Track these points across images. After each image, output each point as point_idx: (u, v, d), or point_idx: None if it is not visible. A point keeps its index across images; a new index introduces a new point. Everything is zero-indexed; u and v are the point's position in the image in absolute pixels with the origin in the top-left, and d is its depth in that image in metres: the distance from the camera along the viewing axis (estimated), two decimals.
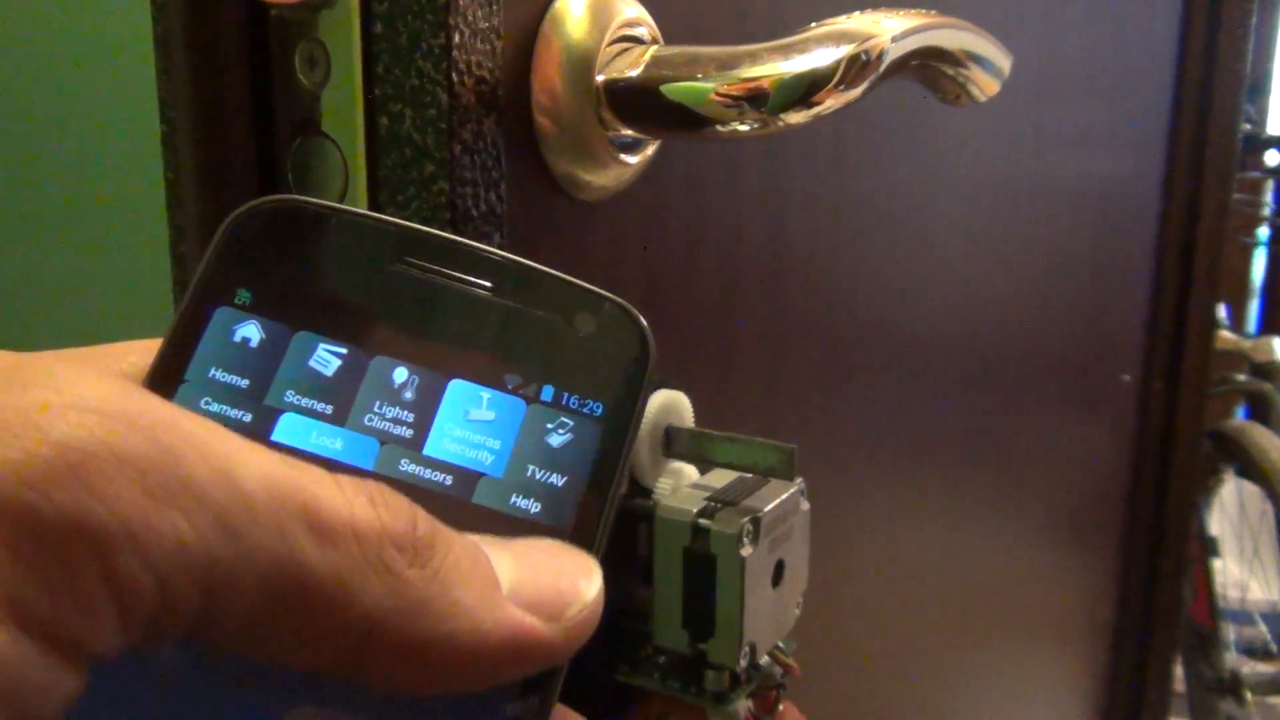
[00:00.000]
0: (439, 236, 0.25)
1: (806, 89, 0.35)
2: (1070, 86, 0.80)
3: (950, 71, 0.41)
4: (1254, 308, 2.37)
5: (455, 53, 0.32)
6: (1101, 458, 1.03)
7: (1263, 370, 1.70)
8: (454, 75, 0.32)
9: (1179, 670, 1.65)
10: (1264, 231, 1.98)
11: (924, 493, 0.70)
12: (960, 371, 0.72)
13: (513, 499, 0.23)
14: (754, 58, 0.35)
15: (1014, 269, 0.77)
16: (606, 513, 0.24)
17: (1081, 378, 0.94)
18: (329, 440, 0.23)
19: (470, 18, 0.33)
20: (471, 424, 0.24)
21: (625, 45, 0.38)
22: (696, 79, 0.36)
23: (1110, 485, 1.06)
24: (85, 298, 0.97)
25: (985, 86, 0.44)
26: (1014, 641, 0.89)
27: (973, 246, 0.71)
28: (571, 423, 0.24)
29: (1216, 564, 1.74)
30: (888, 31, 0.36)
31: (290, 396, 0.23)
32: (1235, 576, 1.87)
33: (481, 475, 0.23)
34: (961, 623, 0.79)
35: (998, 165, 0.73)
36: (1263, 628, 1.88)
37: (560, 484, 0.24)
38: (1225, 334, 1.67)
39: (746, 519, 0.36)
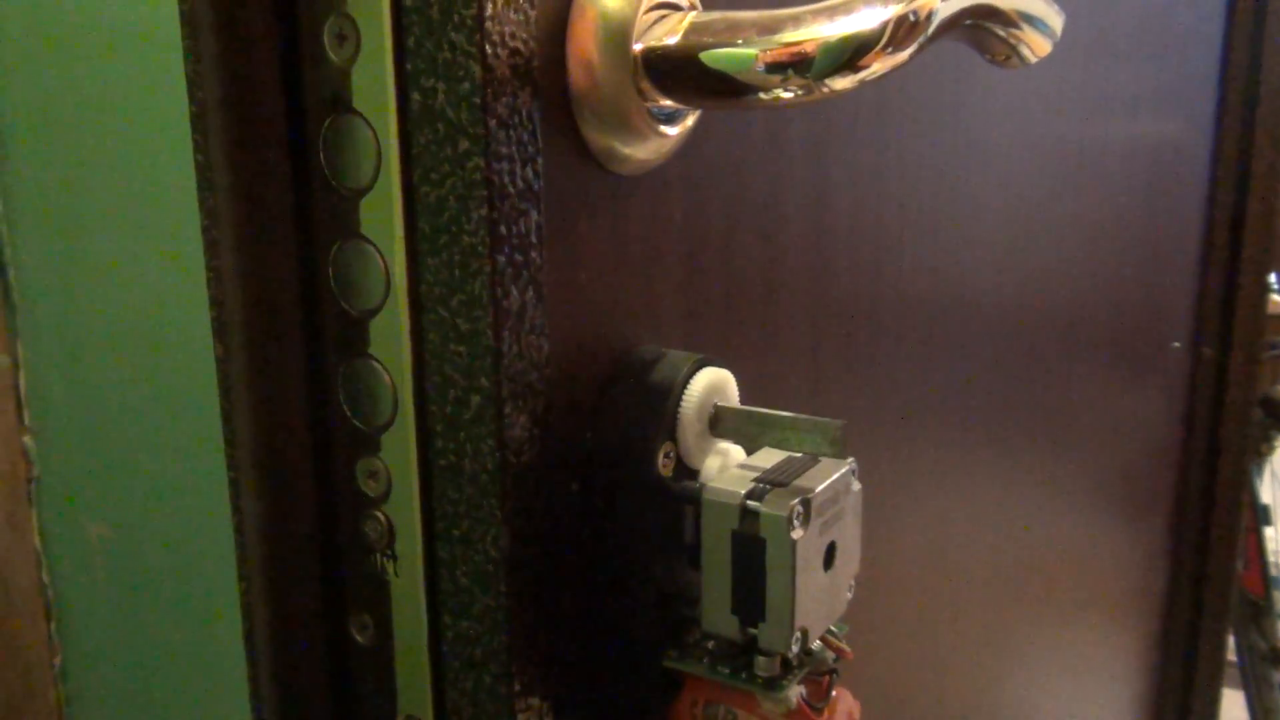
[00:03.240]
0: None
1: (853, 52, 0.34)
2: (1117, 48, 0.78)
3: (1001, 32, 0.39)
4: None
5: (488, 24, 0.31)
6: (1152, 426, 1.01)
7: None
8: (487, 47, 0.31)
9: (1231, 641, 1.63)
10: None
11: (973, 465, 0.69)
12: (1008, 340, 0.71)
13: None
14: (797, 21, 0.34)
15: (1062, 235, 0.75)
16: None
17: (1131, 345, 0.92)
18: None
19: None
20: None
21: (663, 12, 0.36)
22: (737, 45, 0.34)
23: (1161, 454, 1.04)
24: (121, 281, 0.97)
25: (1037, 47, 0.42)
26: (1065, 613, 0.88)
27: (1020, 213, 0.69)
28: None
29: (1269, 533, 1.71)
30: None
31: None
32: None
33: None
34: (1013, 596, 0.78)
35: (1043, 130, 0.71)
36: None
37: None
38: (1277, 299, 1.63)
39: (797, 500, 0.35)
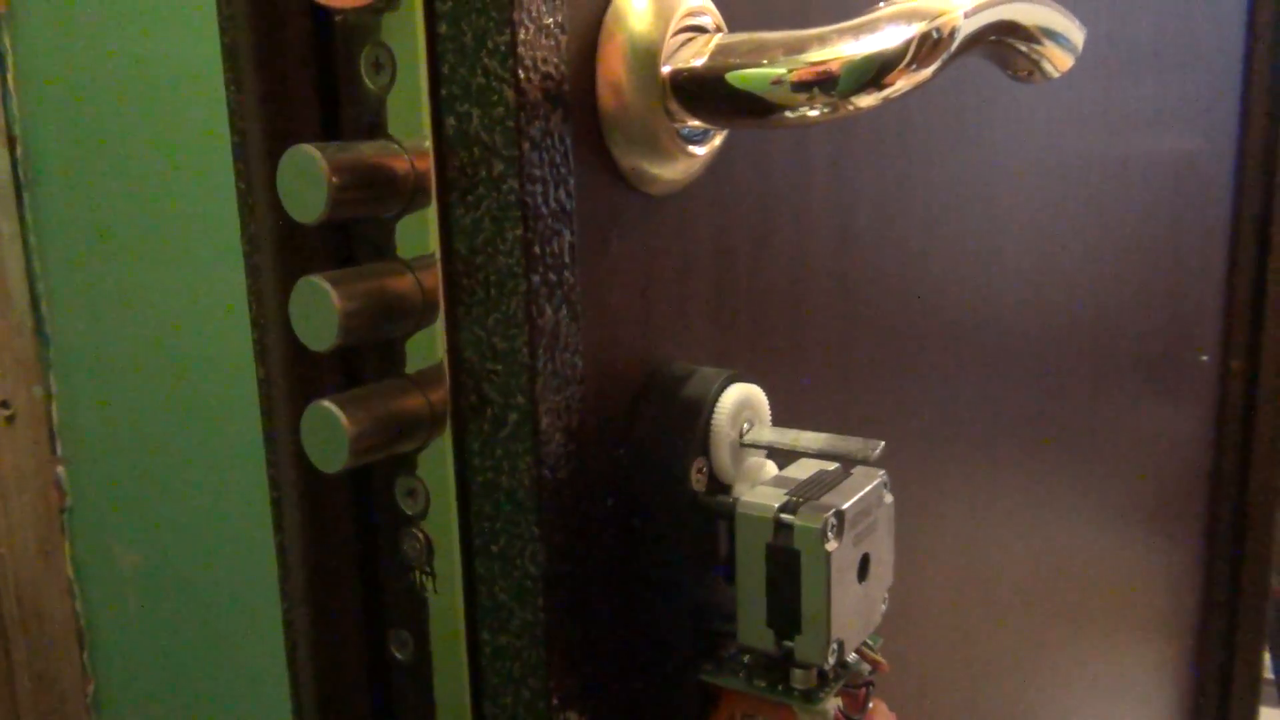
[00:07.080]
0: None
1: (877, 70, 0.34)
2: (1138, 62, 0.78)
3: (1024, 48, 0.40)
4: None
5: (520, 49, 0.32)
6: (1181, 440, 1.00)
7: None
8: (520, 72, 0.32)
9: (1268, 658, 1.61)
10: None
11: (1001, 480, 0.69)
12: (1035, 355, 0.71)
13: None
14: (822, 40, 0.35)
15: (1086, 249, 0.76)
16: None
17: (1159, 359, 0.92)
18: None
19: (534, 13, 0.32)
20: None
21: (690, 35, 0.37)
22: (763, 65, 0.35)
23: (1191, 468, 1.03)
24: (151, 313, 0.99)
25: (1059, 62, 0.42)
26: (1098, 630, 0.87)
27: (1044, 227, 0.69)
28: None
29: None
30: (959, 6, 0.35)
31: None
32: None
33: None
34: (1044, 611, 0.77)
35: (1067, 144, 0.71)
36: None
37: None
38: None
39: (830, 513, 0.35)
